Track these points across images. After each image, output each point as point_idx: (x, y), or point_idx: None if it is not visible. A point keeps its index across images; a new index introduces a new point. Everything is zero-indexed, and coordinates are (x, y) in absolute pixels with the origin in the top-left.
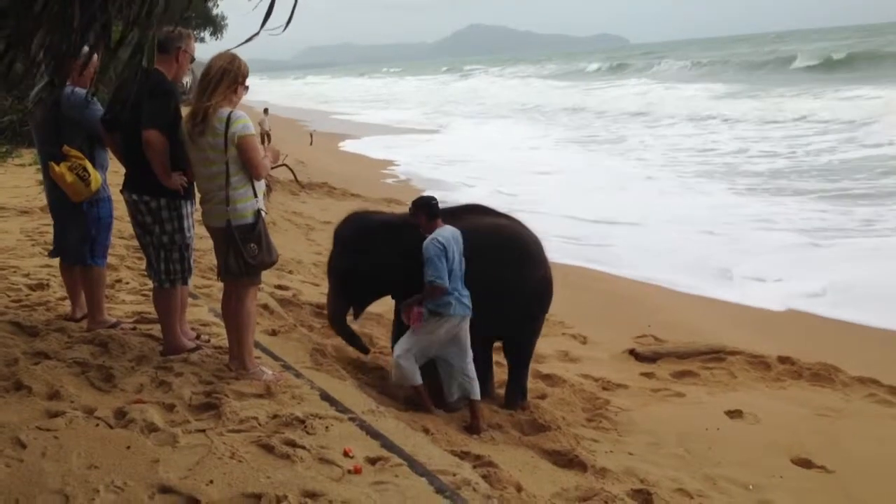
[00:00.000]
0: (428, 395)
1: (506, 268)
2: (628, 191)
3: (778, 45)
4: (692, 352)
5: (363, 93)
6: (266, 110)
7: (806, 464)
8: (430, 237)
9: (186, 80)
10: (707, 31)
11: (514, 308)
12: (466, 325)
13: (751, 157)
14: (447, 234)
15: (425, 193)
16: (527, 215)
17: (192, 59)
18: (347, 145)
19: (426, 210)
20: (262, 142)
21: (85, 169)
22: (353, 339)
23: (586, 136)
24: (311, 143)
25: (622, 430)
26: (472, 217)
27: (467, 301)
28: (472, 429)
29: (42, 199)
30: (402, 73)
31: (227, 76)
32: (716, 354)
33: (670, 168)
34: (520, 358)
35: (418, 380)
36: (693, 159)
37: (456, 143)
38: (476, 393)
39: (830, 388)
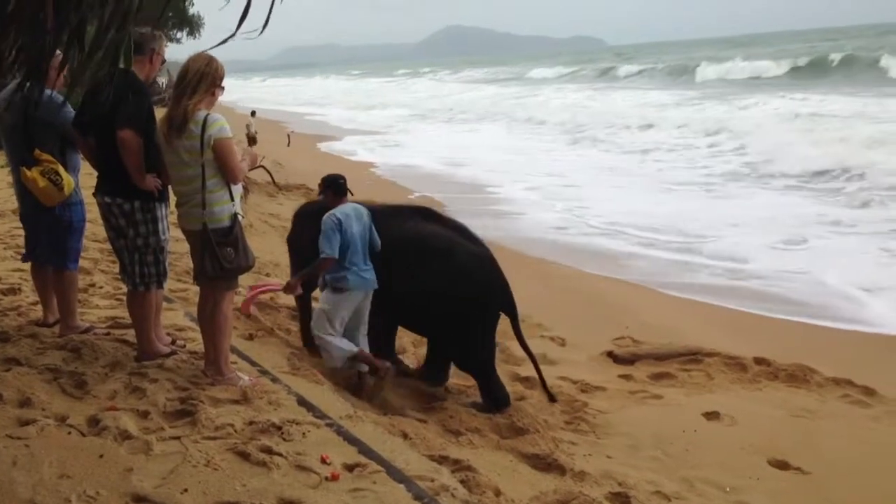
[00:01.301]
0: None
1: (419, 274)
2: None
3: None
4: (670, 353)
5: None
6: (253, 113)
7: (782, 465)
8: (329, 212)
9: (162, 80)
10: (683, 33)
11: (433, 313)
12: (368, 302)
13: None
14: (347, 209)
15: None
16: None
17: (163, 61)
18: (326, 146)
19: (333, 188)
20: (250, 145)
21: (57, 173)
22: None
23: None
24: (288, 145)
25: (600, 433)
26: (406, 220)
27: (369, 276)
28: (361, 387)
29: (14, 202)
30: (363, 76)
31: (206, 79)
32: (693, 356)
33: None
34: (467, 368)
35: (353, 347)
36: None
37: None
38: (353, 349)
39: (806, 388)
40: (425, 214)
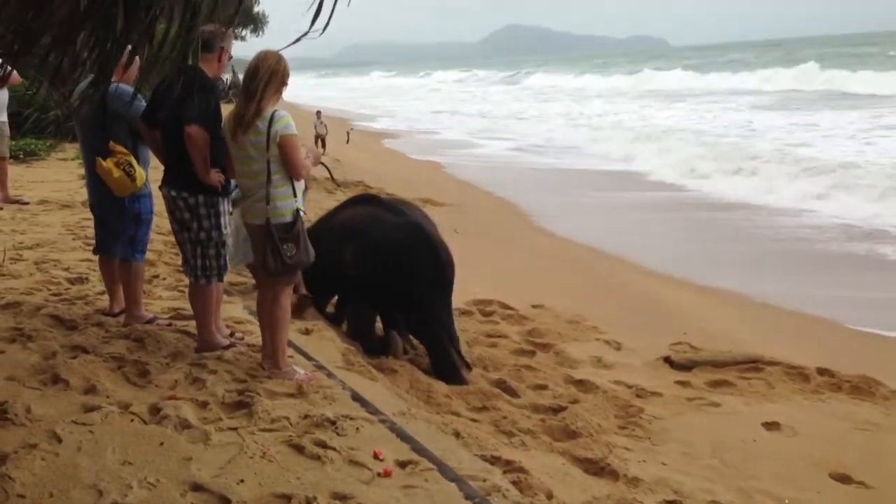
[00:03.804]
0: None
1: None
2: None
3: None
4: (729, 361)
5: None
6: (319, 113)
7: (845, 479)
8: None
9: (227, 76)
10: (748, 34)
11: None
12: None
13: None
14: None
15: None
16: None
17: (230, 57)
18: (388, 143)
19: None
20: (317, 145)
21: (131, 164)
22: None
23: None
24: (347, 142)
25: (655, 439)
26: (343, 209)
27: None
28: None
29: (83, 194)
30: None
31: (276, 77)
32: (753, 364)
33: None
34: (412, 332)
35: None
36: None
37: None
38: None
39: (871, 401)
40: (362, 200)
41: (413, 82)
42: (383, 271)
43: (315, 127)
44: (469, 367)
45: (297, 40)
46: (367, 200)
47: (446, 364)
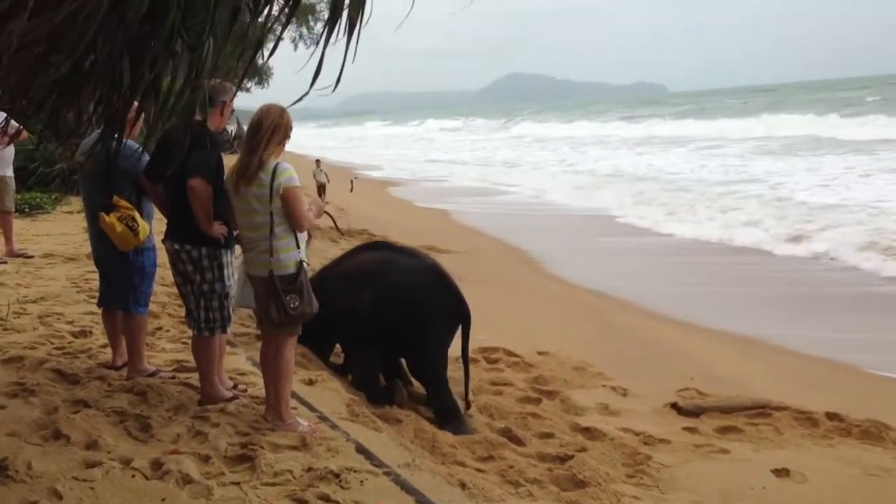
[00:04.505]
0: None
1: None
2: None
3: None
4: (736, 406)
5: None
6: (318, 162)
7: None
8: None
9: (231, 128)
10: (743, 79)
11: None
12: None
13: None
14: None
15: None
16: None
17: (233, 110)
18: (393, 192)
19: None
20: (319, 194)
21: (134, 219)
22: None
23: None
24: (351, 190)
25: (664, 487)
26: (354, 255)
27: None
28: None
29: (88, 247)
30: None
31: (279, 130)
32: (761, 409)
33: None
34: (417, 376)
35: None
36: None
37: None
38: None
39: (881, 446)
40: (373, 246)
41: (409, 131)
42: (401, 314)
43: (315, 176)
44: (468, 405)
45: (300, 99)
46: (380, 246)
47: (452, 411)
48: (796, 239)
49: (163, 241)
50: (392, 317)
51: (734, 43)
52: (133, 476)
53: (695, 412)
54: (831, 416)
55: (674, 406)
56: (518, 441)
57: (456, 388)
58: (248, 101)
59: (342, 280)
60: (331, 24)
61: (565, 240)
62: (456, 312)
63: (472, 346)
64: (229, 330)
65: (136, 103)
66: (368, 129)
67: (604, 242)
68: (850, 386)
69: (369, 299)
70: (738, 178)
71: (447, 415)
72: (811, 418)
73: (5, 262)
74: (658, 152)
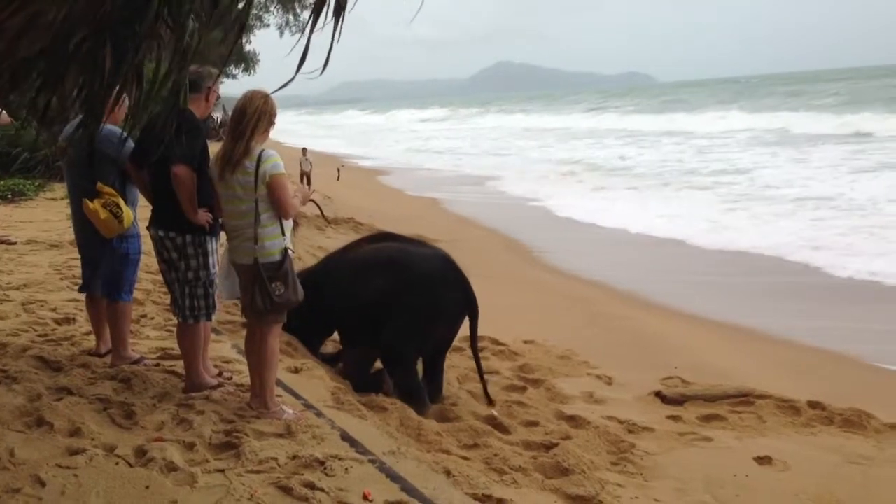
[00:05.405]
0: None
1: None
2: None
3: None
4: (720, 395)
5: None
6: (304, 150)
7: None
8: None
9: (217, 114)
10: (731, 70)
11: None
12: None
13: None
14: None
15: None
16: None
17: (218, 96)
18: (382, 180)
19: None
20: (302, 182)
21: (118, 205)
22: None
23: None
24: (338, 179)
25: (648, 475)
26: (360, 245)
27: None
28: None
29: (71, 234)
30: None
31: (263, 117)
32: (744, 398)
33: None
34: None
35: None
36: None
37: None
38: None
39: (862, 434)
40: (379, 237)
41: (388, 120)
42: (422, 303)
43: (300, 164)
44: (491, 402)
45: (286, 84)
46: (386, 237)
47: (419, 392)
48: (777, 230)
49: (147, 227)
50: (411, 304)
51: (724, 33)
52: (117, 463)
53: (679, 400)
54: (813, 404)
55: (658, 394)
56: (503, 429)
57: (469, 385)
58: (235, 87)
59: (352, 269)
60: (317, 8)
61: (554, 231)
62: (467, 304)
63: (456, 336)
64: (214, 317)
65: (117, 87)
66: (347, 118)
67: (593, 234)
68: (833, 375)
69: (384, 287)
70: (729, 168)
71: (413, 395)
72: (794, 407)
73: None
74: (650, 143)
